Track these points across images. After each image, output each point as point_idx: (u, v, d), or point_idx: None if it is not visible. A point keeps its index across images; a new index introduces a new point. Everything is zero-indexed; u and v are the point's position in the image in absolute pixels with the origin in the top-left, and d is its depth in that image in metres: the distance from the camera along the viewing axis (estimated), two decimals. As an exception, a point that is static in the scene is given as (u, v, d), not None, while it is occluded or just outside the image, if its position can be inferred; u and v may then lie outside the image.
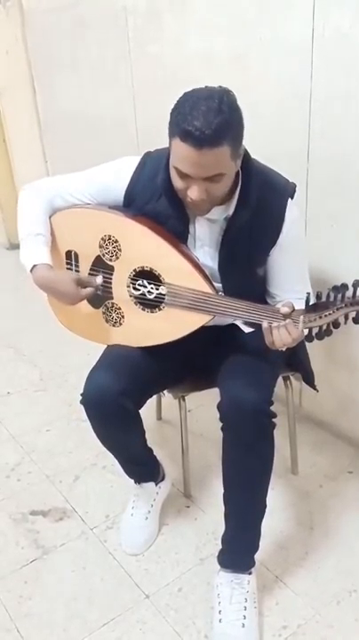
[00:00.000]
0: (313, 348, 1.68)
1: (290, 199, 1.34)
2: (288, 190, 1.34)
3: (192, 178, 1.17)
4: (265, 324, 1.24)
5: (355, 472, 1.82)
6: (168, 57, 2.06)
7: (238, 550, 1.41)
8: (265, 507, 1.39)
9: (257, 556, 1.42)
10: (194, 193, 1.19)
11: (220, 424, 1.33)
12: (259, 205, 1.29)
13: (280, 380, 1.66)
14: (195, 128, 1.09)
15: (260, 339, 1.26)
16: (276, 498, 1.73)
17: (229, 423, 1.32)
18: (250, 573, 1.39)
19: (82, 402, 1.38)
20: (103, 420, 1.40)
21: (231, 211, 1.30)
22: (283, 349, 1.27)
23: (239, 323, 1.47)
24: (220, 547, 1.44)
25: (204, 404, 1.94)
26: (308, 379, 1.63)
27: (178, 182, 1.21)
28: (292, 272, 1.40)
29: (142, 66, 2.25)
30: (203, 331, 1.41)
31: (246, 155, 1.26)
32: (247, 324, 1.40)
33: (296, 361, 1.58)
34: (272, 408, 1.30)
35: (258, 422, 1.29)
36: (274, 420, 1.31)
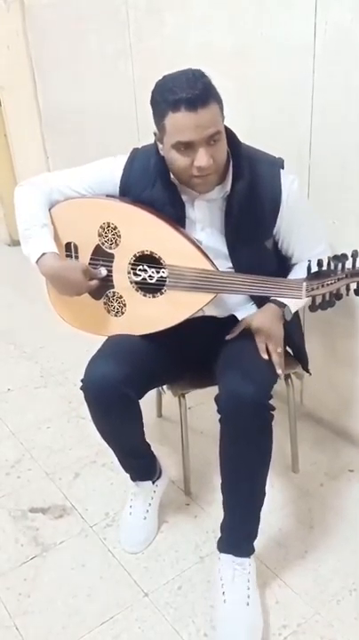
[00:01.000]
0: (314, 346, 1.68)
1: (281, 170, 1.36)
2: (277, 162, 1.38)
3: (195, 147, 1.21)
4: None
5: (355, 470, 1.81)
6: (169, 52, 2.05)
7: (238, 536, 1.41)
8: (264, 495, 1.38)
9: (256, 555, 1.41)
10: (202, 159, 1.21)
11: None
12: (253, 179, 1.33)
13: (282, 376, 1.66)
14: (185, 93, 1.16)
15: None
16: (276, 496, 1.72)
17: (227, 416, 1.31)
18: (249, 558, 1.40)
19: (82, 388, 1.37)
20: (103, 407, 1.39)
21: (228, 187, 1.32)
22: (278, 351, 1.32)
23: (238, 313, 1.47)
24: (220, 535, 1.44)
25: (204, 402, 1.93)
26: (303, 362, 1.62)
27: (181, 160, 1.24)
28: (306, 235, 1.43)
29: (143, 61, 2.24)
30: (203, 324, 1.41)
31: (230, 132, 1.30)
32: (253, 299, 1.44)
33: (292, 343, 1.57)
34: (271, 401, 1.30)
35: (256, 416, 1.29)
36: (273, 412, 1.31)
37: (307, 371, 1.65)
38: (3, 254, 3.93)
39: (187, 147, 1.21)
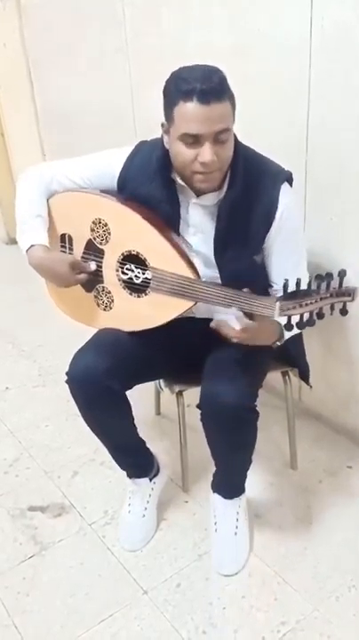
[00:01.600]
0: (311, 343, 1.67)
1: (284, 184, 1.32)
2: (280, 176, 1.33)
3: (201, 141, 1.18)
4: (212, 324, 1.24)
5: (354, 467, 1.81)
6: (165, 49, 2.04)
7: (227, 485, 1.55)
8: (250, 462, 1.49)
9: (255, 552, 1.42)
10: (206, 154, 1.19)
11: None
12: (250, 189, 1.29)
13: (278, 374, 1.65)
14: (200, 84, 1.13)
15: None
16: (275, 493, 1.72)
17: (209, 419, 1.35)
18: (239, 497, 1.55)
19: (66, 381, 1.39)
20: (87, 398, 1.40)
21: (223, 193, 1.30)
22: (237, 341, 1.24)
23: (230, 320, 1.46)
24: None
25: (203, 399, 1.93)
26: (303, 374, 1.63)
27: (185, 153, 1.21)
28: (288, 260, 1.38)
29: (140, 57, 2.23)
30: (198, 323, 1.41)
31: (234, 137, 1.27)
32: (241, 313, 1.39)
33: (289, 356, 1.57)
34: (254, 401, 1.32)
35: (237, 419, 1.31)
36: (256, 413, 1.33)
37: (308, 383, 1.65)
38: (0, 252, 3.92)
39: (193, 140, 1.18)
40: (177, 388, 1.59)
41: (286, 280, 1.14)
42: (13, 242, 3.74)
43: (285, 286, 1.13)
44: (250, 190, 1.29)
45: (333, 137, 1.57)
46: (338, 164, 1.59)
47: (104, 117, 2.58)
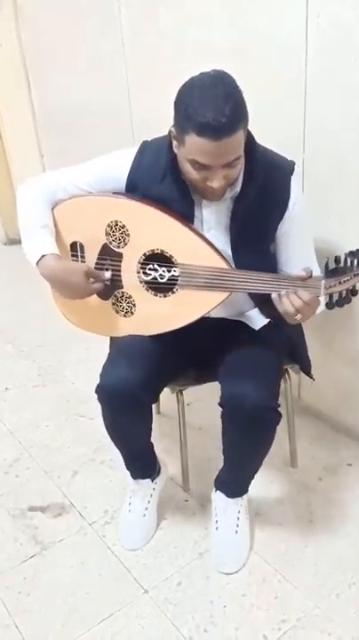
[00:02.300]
0: (312, 341, 1.67)
1: (294, 175, 1.33)
2: (289, 166, 1.34)
3: (211, 168, 1.18)
4: (274, 295, 1.23)
5: (354, 464, 1.81)
6: (162, 48, 2.04)
7: (233, 485, 1.55)
8: (260, 465, 1.48)
9: (255, 550, 1.42)
10: (216, 183, 1.20)
11: (219, 416, 1.33)
12: (265, 182, 1.29)
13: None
14: (211, 119, 1.10)
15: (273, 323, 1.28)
16: (275, 491, 1.72)
17: (233, 419, 1.35)
18: (242, 497, 1.55)
19: (97, 391, 1.37)
20: (118, 411, 1.39)
21: (238, 188, 1.29)
22: (303, 318, 1.24)
23: (247, 319, 1.46)
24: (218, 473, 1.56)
25: (203, 398, 1.93)
26: (305, 367, 1.63)
27: (195, 175, 1.21)
28: (299, 248, 1.40)
29: (137, 58, 2.23)
30: (211, 324, 1.40)
31: (248, 133, 1.24)
32: (256, 303, 1.41)
33: (296, 352, 1.58)
34: (277, 402, 1.33)
35: (261, 420, 1.32)
36: (279, 413, 1.34)
37: (311, 376, 1.65)
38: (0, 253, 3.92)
39: (202, 167, 1.18)
40: (177, 387, 1.59)
41: (327, 259, 1.18)
42: (12, 242, 3.74)
43: (327, 265, 1.17)
44: (264, 184, 1.29)
45: (330, 135, 1.57)
46: (335, 163, 1.59)
47: (102, 118, 2.58)
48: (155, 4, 2.01)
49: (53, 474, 1.85)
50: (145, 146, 1.37)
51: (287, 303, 1.22)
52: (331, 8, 1.45)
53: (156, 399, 1.43)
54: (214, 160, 1.16)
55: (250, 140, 1.25)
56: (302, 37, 1.53)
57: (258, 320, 1.44)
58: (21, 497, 1.77)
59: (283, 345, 1.51)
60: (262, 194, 1.30)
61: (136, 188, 1.35)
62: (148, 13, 2.05)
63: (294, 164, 1.35)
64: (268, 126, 1.70)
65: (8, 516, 1.70)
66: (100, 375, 1.38)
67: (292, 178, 1.33)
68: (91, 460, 1.90)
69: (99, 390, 1.37)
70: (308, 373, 1.64)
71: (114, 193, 1.38)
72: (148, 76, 2.18)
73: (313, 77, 1.56)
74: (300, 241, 1.39)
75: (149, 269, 1.36)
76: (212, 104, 1.10)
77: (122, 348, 1.42)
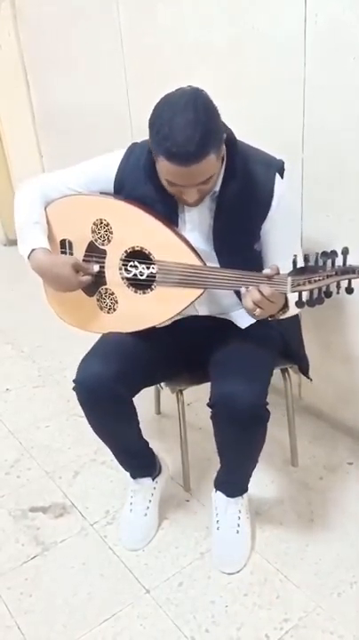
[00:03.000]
0: (310, 340, 1.67)
1: (278, 174, 1.33)
2: (274, 164, 1.34)
3: (184, 186, 1.21)
4: (242, 290, 1.24)
5: (354, 463, 1.81)
6: (161, 48, 2.04)
7: (231, 485, 1.55)
8: (257, 461, 1.48)
9: (256, 550, 1.42)
10: (190, 198, 1.24)
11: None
12: (245, 178, 1.30)
13: (278, 371, 1.65)
14: (178, 147, 1.12)
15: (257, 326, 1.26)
16: (276, 490, 1.72)
17: (222, 420, 1.35)
18: (242, 496, 1.55)
19: (74, 389, 1.39)
20: (96, 406, 1.40)
21: (217, 188, 1.30)
22: (262, 314, 1.24)
23: (234, 318, 1.47)
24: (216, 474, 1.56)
25: (203, 398, 1.91)
26: (303, 368, 1.63)
27: (170, 189, 1.24)
28: (283, 246, 1.38)
29: (135, 57, 2.23)
30: (199, 322, 1.41)
31: (228, 131, 1.25)
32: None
33: (290, 351, 1.58)
34: (266, 400, 1.31)
35: (251, 419, 1.31)
36: (268, 411, 1.33)
37: (308, 377, 1.65)
38: (-1, 254, 3.92)
39: (175, 184, 1.21)
40: (177, 387, 1.59)
41: (295, 256, 1.16)
42: (12, 243, 3.74)
43: (294, 262, 1.16)
44: (245, 183, 1.30)
45: (330, 135, 1.57)
46: (333, 161, 1.59)
47: (101, 118, 2.58)
48: (153, 4, 2.01)
49: (54, 474, 1.86)
50: (133, 148, 1.41)
51: (247, 298, 1.22)
52: (329, 8, 1.45)
53: (134, 394, 1.43)
54: (185, 181, 1.19)
55: (229, 136, 1.25)
56: (301, 37, 1.53)
57: (244, 319, 1.44)
58: (22, 498, 1.77)
59: (275, 343, 1.50)
60: (244, 192, 1.30)
61: (123, 188, 1.39)
62: (147, 13, 2.05)
63: (282, 162, 1.35)
64: (267, 126, 1.71)
65: (9, 516, 1.70)
66: (76, 372, 1.39)
67: (277, 176, 1.32)
68: (91, 460, 1.90)
69: (75, 387, 1.39)
70: (306, 374, 1.64)
71: (101, 193, 1.43)
72: (147, 75, 2.18)
73: (312, 76, 1.56)
74: (284, 239, 1.38)
75: (130, 266, 1.39)
76: (181, 132, 1.11)
77: (99, 344, 1.45)
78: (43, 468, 1.89)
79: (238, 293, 1.36)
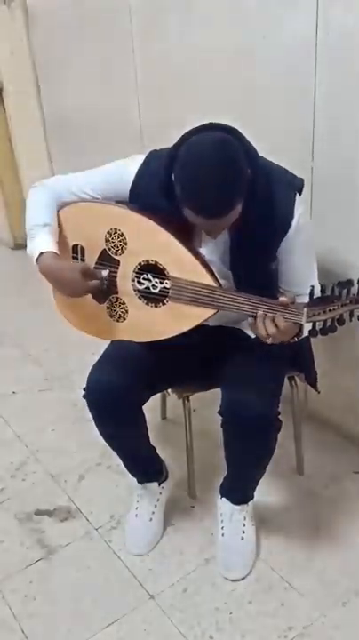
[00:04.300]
0: (318, 348, 1.67)
1: (298, 195, 1.32)
2: (294, 185, 1.33)
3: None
4: (249, 320, 1.24)
5: (361, 472, 1.81)
6: (172, 55, 2.06)
7: (237, 493, 1.55)
8: (265, 470, 1.48)
9: (261, 557, 1.42)
10: (214, 235, 1.26)
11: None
12: (266, 199, 1.28)
13: (285, 379, 1.65)
14: (204, 206, 1.14)
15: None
16: (282, 498, 1.72)
17: (233, 428, 1.35)
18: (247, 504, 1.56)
19: (84, 396, 1.40)
20: (105, 414, 1.41)
21: None
22: (273, 342, 1.24)
23: (244, 327, 1.47)
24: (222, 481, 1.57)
25: (209, 404, 1.92)
26: (311, 379, 1.62)
27: (193, 221, 1.23)
28: (301, 269, 1.38)
29: (146, 65, 2.24)
30: (209, 330, 1.41)
31: (250, 148, 1.24)
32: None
33: (299, 360, 1.57)
34: (278, 410, 1.31)
35: (262, 428, 1.32)
36: (280, 422, 1.33)
37: (316, 389, 1.65)
38: (6, 257, 3.93)
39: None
40: (184, 393, 1.59)
41: (312, 287, 1.17)
42: (20, 247, 3.75)
43: (312, 293, 1.17)
44: (265, 203, 1.28)
45: (339, 142, 1.57)
46: (343, 171, 1.59)
47: (111, 124, 2.59)
48: (165, 12, 2.02)
49: (60, 478, 1.86)
50: (150, 157, 1.38)
51: (261, 327, 1.22)
52: (340, 18, 1.46)
53: (144, 402, 1.44)
54: (210, 228, 1.23)
55: (251, 154, 1.23)
56: (312, 46, 1.54)
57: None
58: (28, 501, 1.77)
59: (285, 352, 1.50)
60: (264, 212, 1.29)
61: (139, 197, 1.37)
62: (158, 21, 2.07)
63: (302, 181, 1.34)
64: (277, 134, 1.72)
65: (14, 520, 1.70)
66: (87, 379, 1.39)
67: (297, 198, 1.31)
68: (97, 464, 1.90)
69: (85, 394, 1.40)
70: (314, 385, 1.64)
71: (117, 202, 1.41)
72: (158, 82, 2.20)
73: (322, 86, 1.56)
74: (301, 259, 1.37)
75: (143, 279, 1.38)
76: (207, 192, 1.12)
77: (109, 352, 1.45)
78: (49, 472, 1.89)
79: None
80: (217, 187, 1.12)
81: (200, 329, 1.38)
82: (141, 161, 1.38)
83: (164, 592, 1.45)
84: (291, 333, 1.26)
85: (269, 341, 1.24)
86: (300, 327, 1.27)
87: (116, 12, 2.26)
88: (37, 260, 1.38)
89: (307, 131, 1.64)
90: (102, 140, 2.68)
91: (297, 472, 1.81)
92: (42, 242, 1.39)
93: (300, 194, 1.33)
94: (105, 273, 1.42)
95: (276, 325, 1.20)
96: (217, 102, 1.91)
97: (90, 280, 1.39)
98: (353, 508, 1.67)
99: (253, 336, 1.44)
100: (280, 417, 1.34)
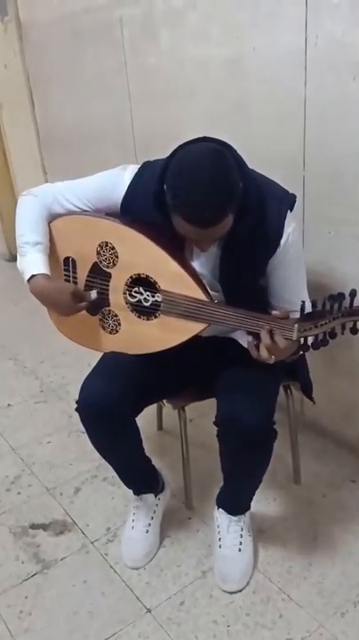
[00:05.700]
0: (314, 356, 1.67)
1: (289, 211, 1.31)
2: (285, 201, 1.32)
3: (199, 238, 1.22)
4: (249, 339, 1.24)
5: (358, 481, 1.80)
6: (164, 68, 2.07)
7: (234, 503, 1.55)
8: (261, 481, 1.49)
9: (259, 568, 1.41)
10: (204, 247, 1.25)
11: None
12: (257, 214, 1.28)
13: (281, 388, 1.65)
14: (195, 214, 1.14)
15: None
16: (279, 508, 1.71)
17: (228, 438, 1.35)
18: (244, 514, 1.55)
19: (77, 409, 1.39)
20: (98, 426, 1.40)
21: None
22: (272, 361, 1.24)
23: (238, 337, 1.47)
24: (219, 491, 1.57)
25: (205, 414, 1.92)
26: (306, 389, 1.62)
27: (183, 232, 1.22)
28: (291, 285, 1.38)
29: (138, 77, 2.26)
30: (203, 341, 1.41)
31: (241, 163, 1.24)
32: (249, 333, 1.38)
33: (294, 369, 1.57)
34: (273, 420, 1.31)
35: (258, 439, 1.31)
36: (275, 432, 1.33)
37: (311, 399, 1.64)
38: (1, 269, 3.93)
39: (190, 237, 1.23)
40: (180, 404, 1.59)
41: (303, 302, 1.16)
42: (15, 258, 3.75)
43: (303, 308, 1.16)
44: (257, 219, 1.27)
45: (330, 151, 1.58)
46: (335, 178, 1.60)
47: (104, 136, 2.60)
48: (156, 25, 2.04)
49: (55, 491, 1.84)
50: (143, 168, 1.37)
51: (264, 351, 1.22)
52: (329, 28, 1.47)
53: (138, 413, 1.43)
54: (201, 238, 1.21)
55: (242, 169, 1.22)
56: (301, 57, 1.55)
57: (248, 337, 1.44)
58: (23, 514, 1.76)
59: (280, 362, 1.50)
60: (255, 228, 1.28)
61: (130, 208, 1.36)
62: (150, 34, 2.09)
63: (294, 197, 1.33)
64: (268, 144, 1.73)
65: (9, 533, 1.69)
66: (79, 391, 1.39)
67: (289, 214, 1.31)
68: (93, 477, 1.89)
69: (78, 407, 1.39)
70: (309, 396, 1.64)
71: (107, 214, 1.40)
72: (150, 94, 2.21)
73: (312, 96, 1.58)
74: (291, 275, 1.37)
75: (135, 292, 1.38)
76: (199, 197, 1.11)
77: (102, 364, 1.45)
78: (44, 485, 1.88)
79: (251, 333, 1.32)
80: (209, 193, 1.11)
81: (194, 340, 1.38)
82: (133, 173, 1.37)
83: (161, 605, 1.43)
84: (290, 350, 1.25)
85: (271, 361, 1.23)
86: (298, 344, 1.25)
87: (109, 25, 2.28)
88: (29, 280, 1.37)
89: (298, 141, 1.65)
90: (96, 153, 2.69)
91: (294, 481, 1.80)
92: (33, 262, 1.38)
93: (291, 210, 1.32)
94: (94, 295, 1.42)
95: (276, 343, 1.20)
96: (208, 113, 1.93)
97: (80, 302, 1.39)
98: (351, 517, 1.66)
99: (245, 345, 1.44)
100: (275, 426, 1.33)
